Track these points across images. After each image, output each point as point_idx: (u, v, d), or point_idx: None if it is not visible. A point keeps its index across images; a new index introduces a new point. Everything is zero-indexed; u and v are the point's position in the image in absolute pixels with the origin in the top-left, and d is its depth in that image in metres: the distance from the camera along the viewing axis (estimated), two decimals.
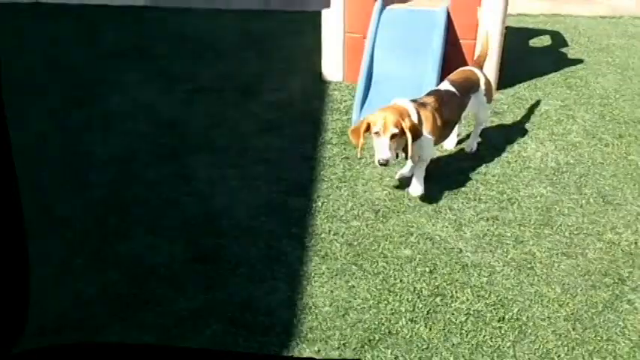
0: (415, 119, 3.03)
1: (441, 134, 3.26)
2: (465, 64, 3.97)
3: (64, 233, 2.92)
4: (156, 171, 3.41)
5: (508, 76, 4.40)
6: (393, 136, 2.95)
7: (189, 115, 4.03)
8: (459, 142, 3.71)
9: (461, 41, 4.20)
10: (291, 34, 5.23)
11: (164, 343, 2.32)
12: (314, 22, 4.47)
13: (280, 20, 5.59)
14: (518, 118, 4.00)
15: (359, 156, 3.29)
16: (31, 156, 3.36)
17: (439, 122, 3.16)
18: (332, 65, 4.40)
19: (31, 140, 3.60)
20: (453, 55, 4.12)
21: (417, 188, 3.21)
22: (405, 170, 3.37)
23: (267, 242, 2.89)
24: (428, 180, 3.22)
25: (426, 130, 3.10)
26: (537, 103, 4.18)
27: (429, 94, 3.26)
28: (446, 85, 3.34)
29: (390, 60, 4.01)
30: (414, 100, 3.14)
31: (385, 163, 2.98)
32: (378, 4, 4.18)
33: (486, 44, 3.71)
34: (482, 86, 3.48)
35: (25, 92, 4.06)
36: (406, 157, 3.17)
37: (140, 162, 3.50)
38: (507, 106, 4.15)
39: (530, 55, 5.02)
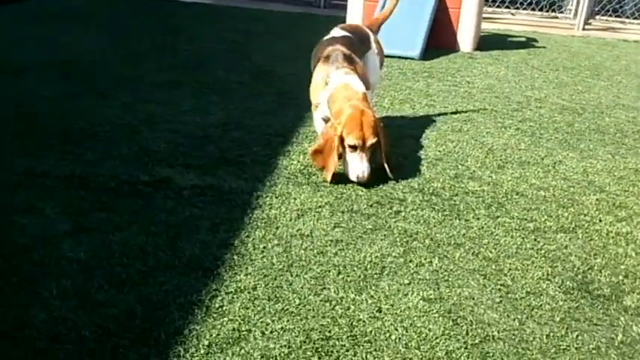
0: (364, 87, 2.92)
1: None
2: (450, 24, 5.61)
3: None
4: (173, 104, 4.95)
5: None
6: (370, 146, 2.65)
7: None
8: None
9: (449, 9, 5.80)
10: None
11: None
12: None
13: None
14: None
15: (329, 180, 2.78)
16: None
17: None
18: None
19: None
20: (442, 18, 5.72)
21: None
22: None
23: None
24: None
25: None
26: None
27: (338, 44, 3.10)
28: (341, 32, 3.32)
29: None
30: (347, 68, 2.92)
31: (365, 178, 2.68)
32: None
33: (388, 12, 3.97)
34: (374, 44, 3.52)
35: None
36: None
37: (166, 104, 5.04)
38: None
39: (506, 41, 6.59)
